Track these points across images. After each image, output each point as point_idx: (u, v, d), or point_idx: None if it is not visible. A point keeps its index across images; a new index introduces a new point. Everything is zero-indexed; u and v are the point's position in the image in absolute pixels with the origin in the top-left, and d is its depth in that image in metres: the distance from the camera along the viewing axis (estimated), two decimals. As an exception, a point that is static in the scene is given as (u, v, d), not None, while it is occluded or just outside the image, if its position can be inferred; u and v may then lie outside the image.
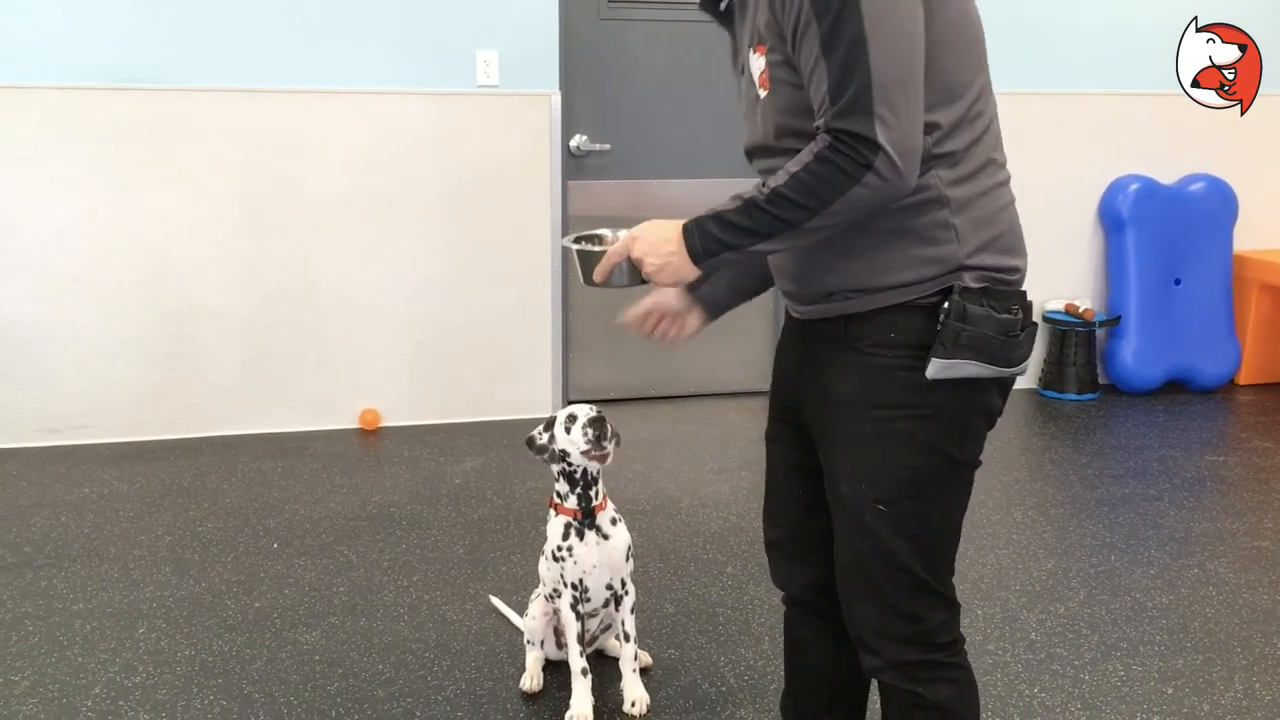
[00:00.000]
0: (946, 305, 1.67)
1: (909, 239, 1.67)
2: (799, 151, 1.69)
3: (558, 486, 2.57)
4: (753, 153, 1.86)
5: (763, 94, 1.74)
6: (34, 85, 4.24)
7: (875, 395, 1.73)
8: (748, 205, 1.65)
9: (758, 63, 1.73)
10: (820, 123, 1.60)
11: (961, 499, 1.81)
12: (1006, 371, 1.72)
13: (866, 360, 1.73)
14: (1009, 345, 1.69)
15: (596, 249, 1.82)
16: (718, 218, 1.67)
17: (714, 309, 2.12)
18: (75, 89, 4.27)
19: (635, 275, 1.78)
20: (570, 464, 2.52)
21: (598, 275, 1.79)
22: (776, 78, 1.69)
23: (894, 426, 1.73)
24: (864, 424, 1.75)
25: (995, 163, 1.74)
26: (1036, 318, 5.31)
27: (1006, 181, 1.76)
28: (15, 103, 4.24)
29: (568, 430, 2.48)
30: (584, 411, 2.49)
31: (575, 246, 1.86)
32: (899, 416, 1.72)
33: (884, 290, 1.70)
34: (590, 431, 2.44)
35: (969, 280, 1.68)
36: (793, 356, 1.93)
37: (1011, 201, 1.77)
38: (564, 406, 2.63)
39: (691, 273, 1.72)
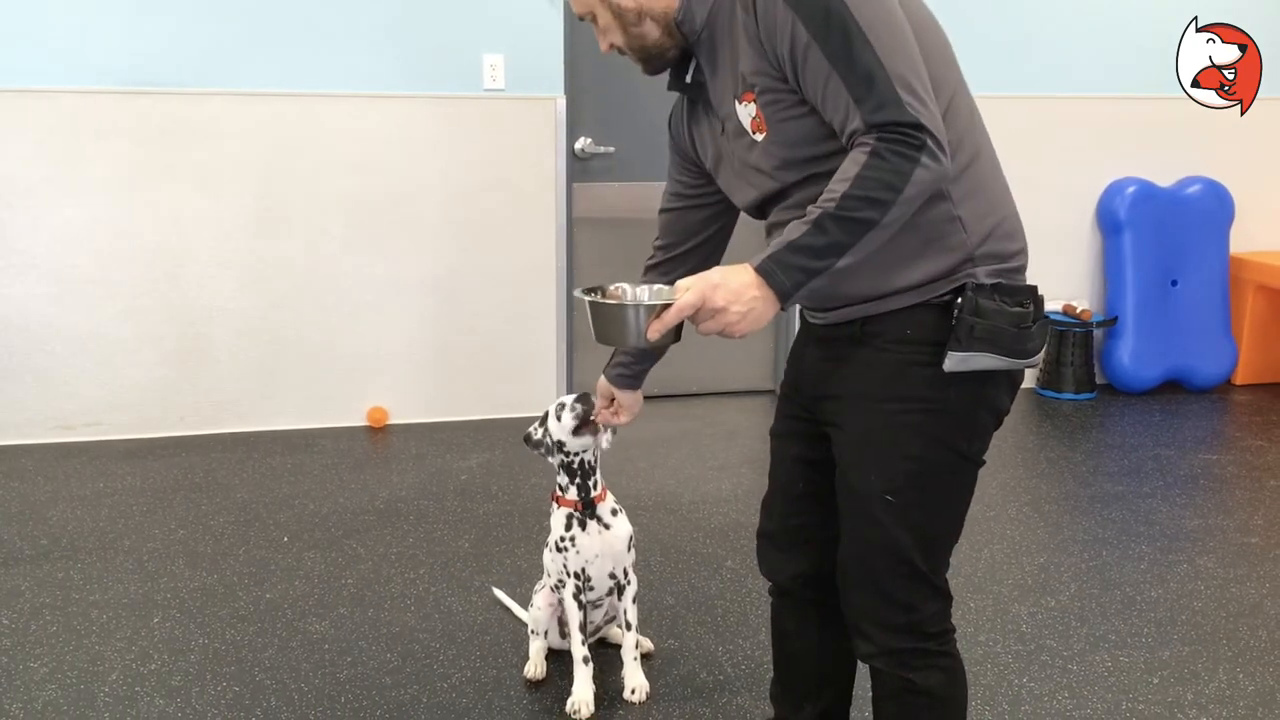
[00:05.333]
0: (960, 301, 1.73)
1: (918, 236, 1.72)
2: (804, 183, 1.75)
3: (559, 479, 2.67)
4: (759, 207, 1.88)
5: (759, 138, 1.78)
6: (51, 89, 4.33)
7: (890, 389, 1.80)
8: (819, 222, 1.63)
9: (747, 111, 1.77)
10: (853, 127, 1.63)
11: (965, 495, 1.88)
12: (1020, 363, 1.77)
13: (883, 356, 1.80)
14: (1021, 337, 1.75)
15: (613, 303, 1.72)
16: (791, 248, 1.64)
17: (639, 379, 2.33)
18: (91, 93, 4.37)
19: (678, 331, 1.70)
20: (567, 453, 2.61)
21: (654, 333, 1.67)
22: (773, 115, 1.74)
23: (905, 419, 1.79)
24: (876, 417, 1.81)
25: (985, 150, 1.81)
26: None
27: (998, 167, 1.83)
28: (33, 106, 4.34)
29: (559, 418, 2.58)
30: (569, 398, 2.60)
31: (591, 299, 1.74)
32: (910, 410, 1.79)
33: (900, 292, 1.76)
34: (579, 407, 2.53)
35: (981, 276, 1.75)
36: (810, 357, 1.97)
37: (1006, 185, 1.83)
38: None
39: (770, 317, 1.68)
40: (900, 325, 1.78)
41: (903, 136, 1.61)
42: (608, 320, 1.72)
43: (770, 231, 1.89)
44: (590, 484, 2.65)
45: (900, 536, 1.83)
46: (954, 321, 1.74)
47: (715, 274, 1.67)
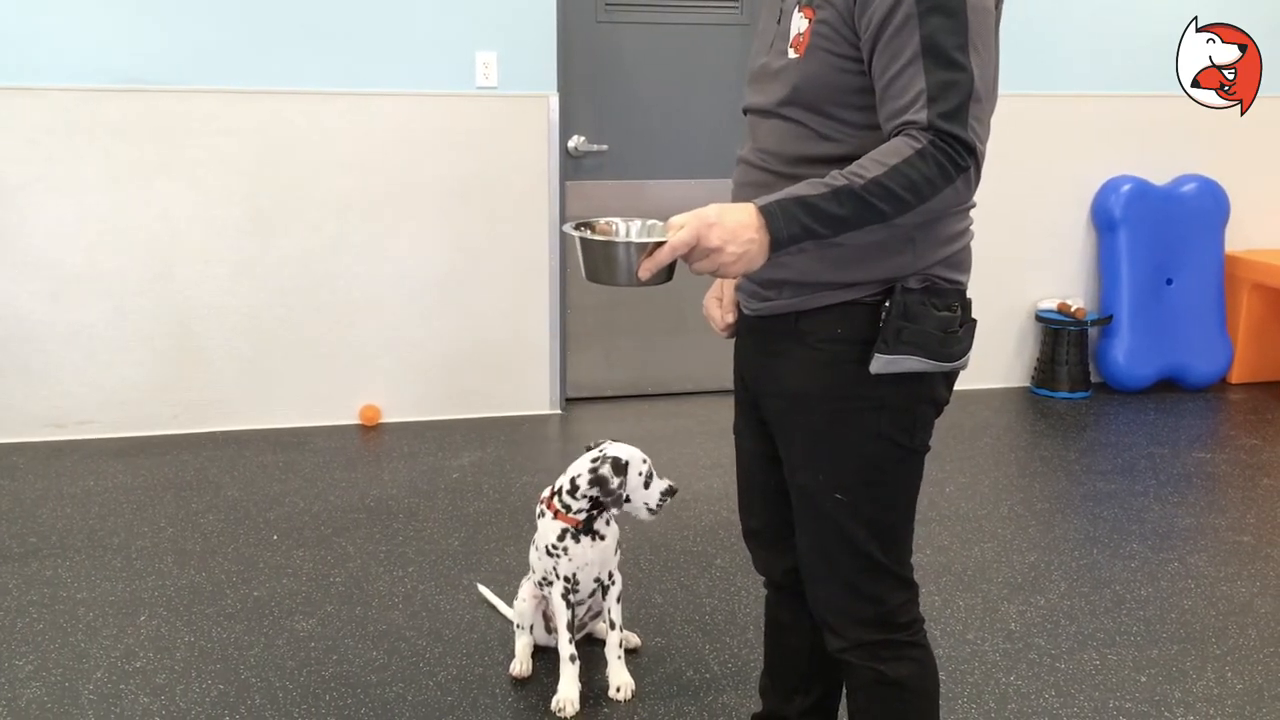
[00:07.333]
0: (888, 304, 1.73)
1: (869, 245, 1.70)
2: (794, 123, 1.72)
3: (566, 499, 2.63)
4: (752, 111, 1.85)
5: (792, 55, 1.73)
6: (44, 87, 4.32)
7: (826, 388, 1.80)
8: (839, 193, 1.58)
9: (799, 23, 1.72)
10: (913, 118, 1.60)
11: (914, 483, 1.88)
12: (946, 366, 1.78)
13: (816, 354, 1.80)
14: (948, 341, 1.76)
15: (603, 239, 1.66)
16: (803, 203, 1.59)
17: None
18: (84, 90, 4.36)
19: (670, 270, 1.61)
20: (625, 506, 2.62)
21: (645, 271, 1.59)
22: (817, 45, 1.69)
23: (846, 418, 1.80)
24: (818, 416, 1.82)
25: None
26: (1029, 317, 5.38)
27: (971, 208, 1.81)
28: (26, 103, 4.33)
29: (646, 485, 2.61)
30: (651, 464, 2.65)
31: (581, 235, 1.66)
32: (850, 408, 1.79)
33: (832, 288, 1.76)
34: (668, 500, 2.64)
35: (912, 281, 1.74)
36: (747, 352, 2.00)
37: (971, 225, 1.83)
38: (613, 442, 2.66)
39: (760, 262, 1.61)
40: (832, 323, 1.78)
41: (954, 152, 1.60)
42: (597, 257, 1.64)
43: (751, 131, 1.85)
44: (595, 511, 2.65)
45: (856, 532, 1.83)
46: (881, 324, 1.73)
47: (711, 211, 1.59)
